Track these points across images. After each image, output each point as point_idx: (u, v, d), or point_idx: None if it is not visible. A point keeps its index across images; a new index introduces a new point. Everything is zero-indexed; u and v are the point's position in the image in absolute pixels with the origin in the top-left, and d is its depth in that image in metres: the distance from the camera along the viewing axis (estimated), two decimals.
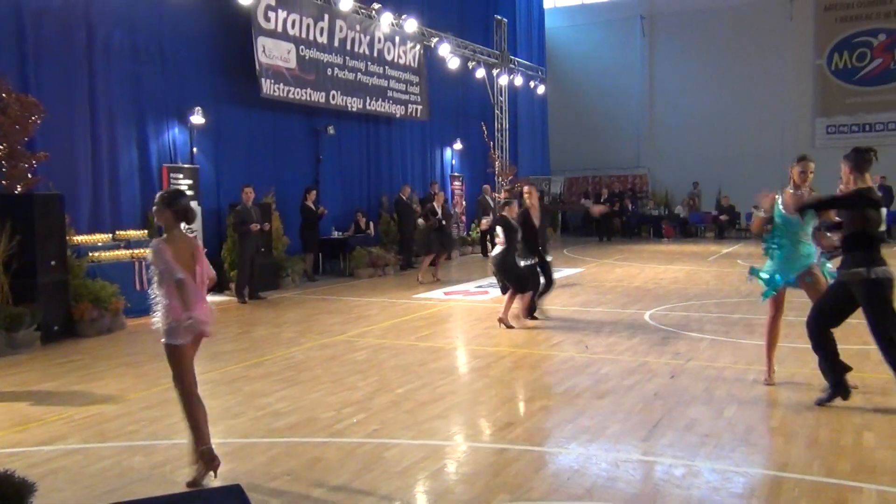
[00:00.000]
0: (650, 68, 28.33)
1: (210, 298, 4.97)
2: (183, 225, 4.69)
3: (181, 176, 12.71)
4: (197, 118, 12.97)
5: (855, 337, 7.69)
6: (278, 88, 14.44)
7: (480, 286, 13.87)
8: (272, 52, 14.31)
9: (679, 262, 17.80)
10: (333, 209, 16.54)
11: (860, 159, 5.77)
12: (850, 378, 5.92)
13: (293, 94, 14.86)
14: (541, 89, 25.55)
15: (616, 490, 4.43)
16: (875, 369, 6.77)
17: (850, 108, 25.64)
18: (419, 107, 19.08)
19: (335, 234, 16.57)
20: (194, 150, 13.24)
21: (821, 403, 5.91)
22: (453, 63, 20.07)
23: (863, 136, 25.05)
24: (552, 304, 10.93)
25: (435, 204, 15.70)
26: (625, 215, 26.34)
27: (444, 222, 15.42)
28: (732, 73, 26.57)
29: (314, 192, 15.13)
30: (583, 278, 14.96)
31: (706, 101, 26.93)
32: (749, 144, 25.89)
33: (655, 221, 26.47)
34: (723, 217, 24.62)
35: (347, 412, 6.04)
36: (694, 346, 8.38)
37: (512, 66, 23.76)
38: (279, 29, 14.52)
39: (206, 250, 4.99)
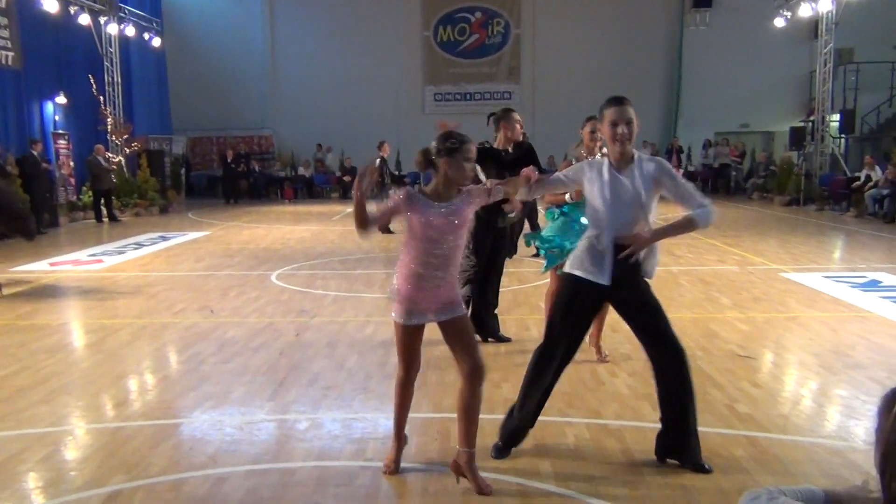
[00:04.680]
0: (271, 30, 28.12)
1: None
2: None
3: None
4: None
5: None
6: None
7: (94, 254, 12.73)
8: None
9: (306, 222, 18.17)
10: None
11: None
12: None
13: None
14: (157, 42, 23.97)
15: (240, 453, 4.39)
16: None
17: (453, 77, 28.21)
18: (9, 53, 16.70)
19: None
20: None
21: None
22: (51, 6, 17.84)
23: (465, 103, 27.78)
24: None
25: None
26: (252, 177, 26.11)
27: None
28: (351, 39, 27.50)
29: None
30: (209, 241, 14.51)
31: (327, 66, 27.57)
32: (368, 108, 27.13)
33: (282, 182, 26.69)
34: (346, 178, 25.62)
35: None
36: (318, 302, 8.63)
37: (122, 14, 21.88)
38: None
39: None
